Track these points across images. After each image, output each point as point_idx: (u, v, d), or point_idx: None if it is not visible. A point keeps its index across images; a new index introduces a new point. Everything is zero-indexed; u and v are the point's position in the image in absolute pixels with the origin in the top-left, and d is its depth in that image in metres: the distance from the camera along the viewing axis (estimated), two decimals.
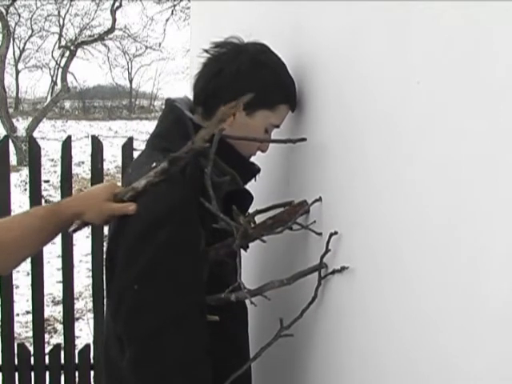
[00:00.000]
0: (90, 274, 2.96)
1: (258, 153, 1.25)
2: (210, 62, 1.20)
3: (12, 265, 1.07)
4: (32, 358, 2.87)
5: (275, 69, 1.19)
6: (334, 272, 1.02)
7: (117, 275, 1.06)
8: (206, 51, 1.20)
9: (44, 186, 8.21)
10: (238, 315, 1.24)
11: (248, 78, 1.15)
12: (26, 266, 2.65)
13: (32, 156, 2.82)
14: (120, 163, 2.84)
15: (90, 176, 3.00)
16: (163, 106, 1.24)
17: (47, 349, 2.96)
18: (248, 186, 1.28)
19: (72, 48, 14.06)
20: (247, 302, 1.21)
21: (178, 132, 1.14)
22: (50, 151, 10.91)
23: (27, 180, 3.00)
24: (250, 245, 1.20)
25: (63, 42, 16.42)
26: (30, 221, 1.07)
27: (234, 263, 1.10)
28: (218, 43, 1.21)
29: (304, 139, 1.18)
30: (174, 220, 1.03)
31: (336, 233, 1.02)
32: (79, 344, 3.10)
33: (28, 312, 3.78)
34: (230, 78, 1.15)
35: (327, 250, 1.04)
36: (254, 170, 1.25)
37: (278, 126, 1.23)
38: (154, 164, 1.06)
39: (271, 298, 1.07)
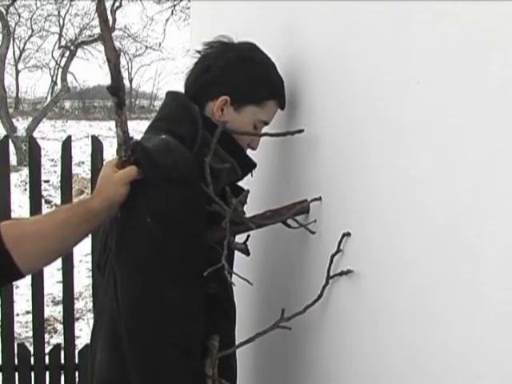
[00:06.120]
0: (90, 274, 2.96)
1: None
2: (199, 60, 1.23)
3: (38, 260, 1.05)
4: (32, 358, 2.87)
5: (262, 65, 1.21)
6: (341, 274, 1.02)
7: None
8: (199, 52, 1.23)
9: (44, 185, 8.21)
10: (228, 313, 1.23)
11: (235, 74, 1.18)
12: None
13: (32, 156, 2.82)
14: None
15: (90, 176, 3.00)
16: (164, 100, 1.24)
17: (47, 349, 2.97)
18: (248, 185, 1.28)
19: (72, 48, 14.07)
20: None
21: (184, 116, 1.14)
22: (50, 151, 10.91)
23: (27, 180, 3.00)
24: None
25: (63, 42, 16.42)
26: (56, 212, 1.09)
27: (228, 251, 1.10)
28: (208, 42, 1.24)
29: (301, 131, 1.18)
30: (186, 179, 1.03)
31: (349, 234, 1.01)
32: (79, 344, 3.11)
33: (28, 312, 3.79)
34: (217, 74, 1.18)
35: (338, 250, 1.03)
36: (250, 165, 1.25)
37: (267, 123, 1.24)
38: (164, 136, 1.07)
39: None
